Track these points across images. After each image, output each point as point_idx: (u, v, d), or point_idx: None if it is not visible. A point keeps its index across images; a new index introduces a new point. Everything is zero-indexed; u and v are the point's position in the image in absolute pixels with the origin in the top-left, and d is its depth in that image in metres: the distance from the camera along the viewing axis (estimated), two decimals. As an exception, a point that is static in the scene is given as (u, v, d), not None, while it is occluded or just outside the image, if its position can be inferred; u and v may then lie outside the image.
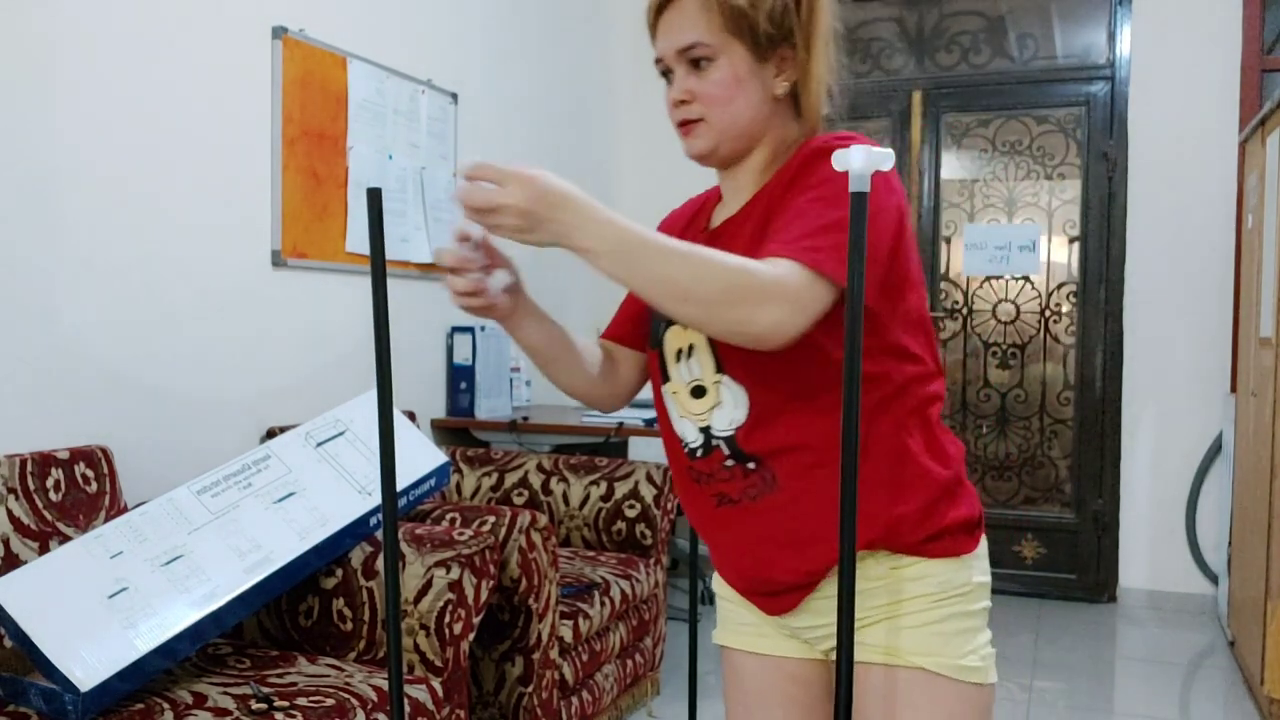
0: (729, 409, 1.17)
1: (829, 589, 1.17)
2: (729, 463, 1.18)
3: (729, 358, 1.16)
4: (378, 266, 1.06)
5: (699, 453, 1.20)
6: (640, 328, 1.33)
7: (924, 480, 1.16)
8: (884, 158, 0.94)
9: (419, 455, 2.24)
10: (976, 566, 1.20)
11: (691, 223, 1.31)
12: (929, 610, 1.16)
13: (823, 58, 1.18)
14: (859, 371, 0.94)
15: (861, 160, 0.92)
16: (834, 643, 1.17)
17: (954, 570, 1.17)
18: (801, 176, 1.13)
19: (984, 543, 1.22)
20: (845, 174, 1.09)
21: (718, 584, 1.34)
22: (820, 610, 1.20)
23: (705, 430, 1.19)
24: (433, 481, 2.25)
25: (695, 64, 1.17)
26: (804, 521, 1.15)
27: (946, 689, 1.16)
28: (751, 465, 1.16)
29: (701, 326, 1.04)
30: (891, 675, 1.17)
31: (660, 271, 1.00)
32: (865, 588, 1.16)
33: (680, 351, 1.21)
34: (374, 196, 1.07)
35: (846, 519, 0.94)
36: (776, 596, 1.22)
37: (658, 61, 1.21)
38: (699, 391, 1.19)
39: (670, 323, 1.22)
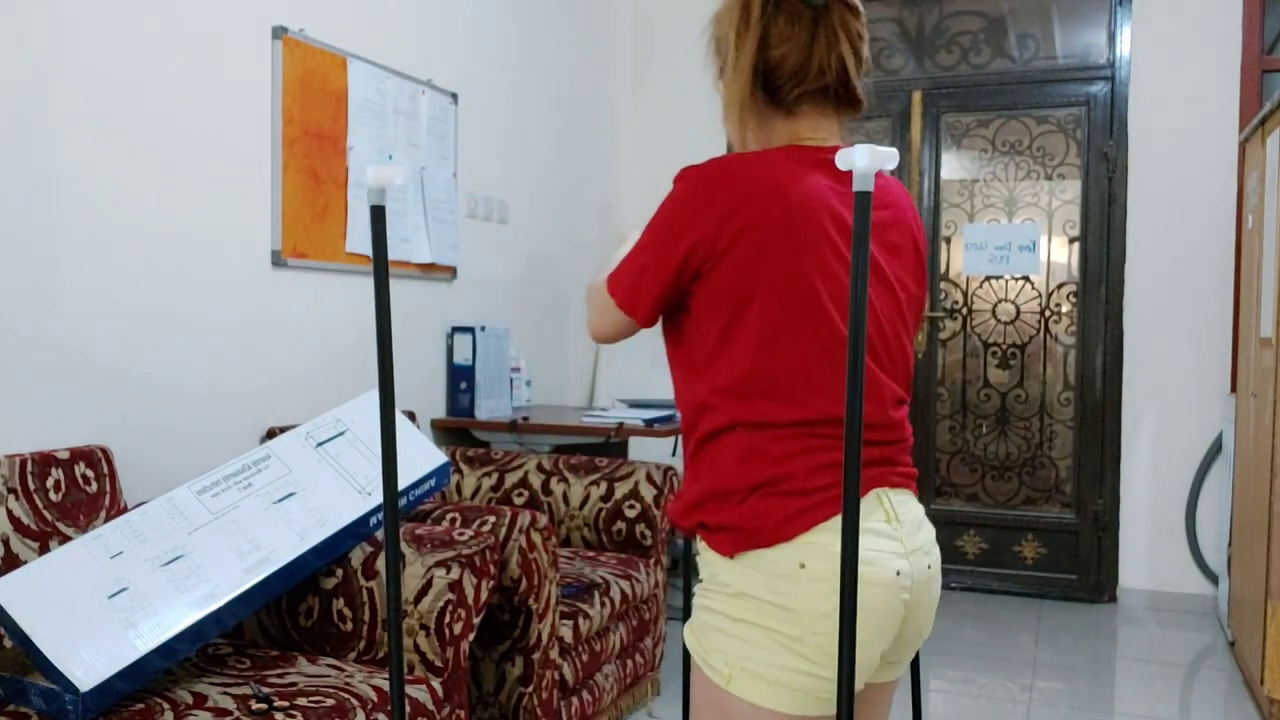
0: None
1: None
2: None
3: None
4: (381, 279, 1.10)
5: None
6: None
7: (714, 479, 1.24)
8: (888, 157, 0.94)
9: (419, 455, 2.24)
10: (751, 578, 1.18)
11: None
12: (700, 595, 1.27)
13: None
14: (861, 367, 0.94)
15: (865, 159, 0.92)
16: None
17: (723, 567, 1.22)
18: None
19: (778, 560, 1.17)
20: (664, 200, 1.25)
21: None
22: None
23: None
24: (433, 482, 2.25)
25: None
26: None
27: (700, 674, 1.25)
28: None
29: None
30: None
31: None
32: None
33: None
34: (377, 214, 1.12)
35: (849, 516, 0.94)
36: None
37: None
38: None
39: None
